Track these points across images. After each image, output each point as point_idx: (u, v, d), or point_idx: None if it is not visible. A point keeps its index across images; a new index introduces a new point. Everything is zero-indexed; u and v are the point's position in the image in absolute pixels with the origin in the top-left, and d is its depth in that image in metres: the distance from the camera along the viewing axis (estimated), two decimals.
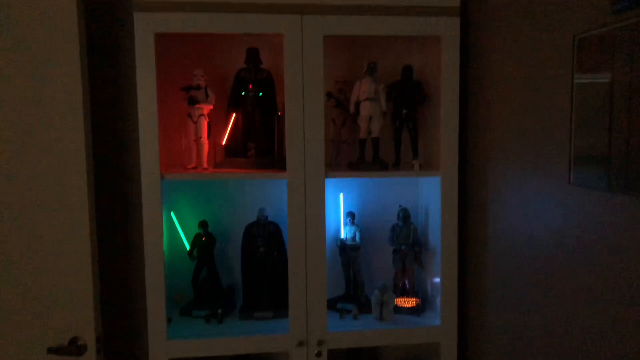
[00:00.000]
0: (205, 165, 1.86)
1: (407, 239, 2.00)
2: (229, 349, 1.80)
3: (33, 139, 1.64)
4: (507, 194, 1.61)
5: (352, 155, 1.99)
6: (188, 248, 2.00)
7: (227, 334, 1.82)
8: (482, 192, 1.79)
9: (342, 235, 2.04)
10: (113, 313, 2.03)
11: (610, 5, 1.09)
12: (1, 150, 1.64)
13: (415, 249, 2.01)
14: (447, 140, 1.81)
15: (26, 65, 1.63)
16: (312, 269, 1.79)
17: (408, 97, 1.92)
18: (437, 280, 1.91)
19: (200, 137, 1.86)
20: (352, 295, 2.05)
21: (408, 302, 2.00)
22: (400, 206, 2.02)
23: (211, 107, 1.88)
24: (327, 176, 1.77)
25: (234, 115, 1.91)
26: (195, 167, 1.87)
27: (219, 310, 1.92)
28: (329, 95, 1.93)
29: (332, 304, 1.98)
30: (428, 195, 2.02)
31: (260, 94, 1.89)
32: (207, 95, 1.85)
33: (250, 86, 1.87)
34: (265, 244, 1.97)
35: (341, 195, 2.08)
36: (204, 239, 1.98)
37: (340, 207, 2.08)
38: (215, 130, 1.93)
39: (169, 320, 1.86)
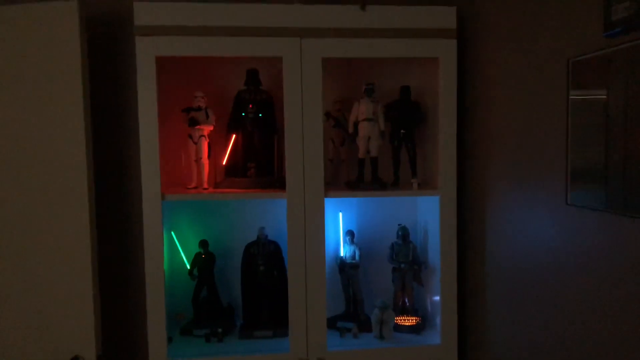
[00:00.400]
0: (205, 185, 1.88)
1: (406, 257, 2.01)
2: None
3: (35, 162, 1.66)
4: (505, 214, 1.63)
5: (351, 175, 2.01)
6: (188, 267, 2.01)
7: (227, 353, 1.83)
8: (480, 211, 1.80)
9: (342, 254, 2.05)
10: (114, 332, 2.03)
11: (603, 31, 1.12)
12: (4, 173, 1.66)
13: (415, 267, 2.02)
14: (445, 159, 1.82)
15: (30, 89, 1.65)
16: (312, 288, 1.80)
17: (406, 117, 1.94)
18: (437, 298, 1.92)
19: (201, 158, 1.88)
20: (352, 314, 2.05)
21: (408, 321, 2.00)
22: (399, 225, 2.03)
23: (211, 127, 1.90)
24: (326, 196, 1.79)
25: (234, 135, 1.93)
26: (195, 187, 1.89)
27: (219, 330, 1.92)
28: (327, 115, 1.95)
29: (332, 323, 1.98)
30: (427, 213, 2.03)
31: (260, 114, 1.91)
32: (207, 116, 1.88)
33: (250, 107, 1.90)
34: (265, 263, 1.98)
35: (340, 214, 2.10)
36: (203, 256, 1.99)
37: (339, 225, 2.09)
38: (215, 150, 1.95)
39: (170, 339, 1.86)
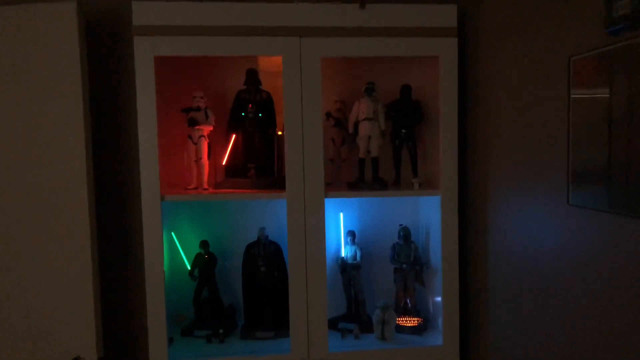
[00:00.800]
0: (205, 185, 1.87)
1: (408, 257, 1.99)
2: None
3: (35, 163, 1.66)
4: (506, 213, 1.61)
5: (352, 174, 1.99)
6: (189, 268, 2.00)
7: (228, 354, 1.82)
8: (482, 211, 1.78)
9: (343, 254, 2.04)
10: (115, 333, 2.02)
11: (605, 27, 1.10)
12: (3, 174, 1.65)
13: (417, 268, 2.00)
14: (447, 159, 1.81)
15: (29, 89, 1.65)
16: (313, 289, 1.79)
17: (407, 117, 1.92)
18: (439, 299, 1.90)
19: (201, 158, 1.87)
20: (353, 315, 2.04)
21: (409, 322, 1.99)
22: (400, 225, 2.02)
23: (211, 128, 1.90)
24: (326, 196, 1.78)
25: (234, 135, 1.92)
26: (195, 188, 1.88)
27: (220, 330, 1.91)
28: (327, 114, 1.94)
29: (333, 324, 1.97)
30: (428, 213, 2.02)
31: (260, 114, 1.90)
32: (207, 117, 1.87)
33: (250, 107, 1.89)
34: (266, 263, 1.97)
35: (341, 214, 2.09)
36: (206, 257, 1.98)
37: (340, 226, 2.08)
38: (215, 150, 1.94)
39: (171, 340, 1.86)
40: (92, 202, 1.70)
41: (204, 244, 1.99)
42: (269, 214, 2.07)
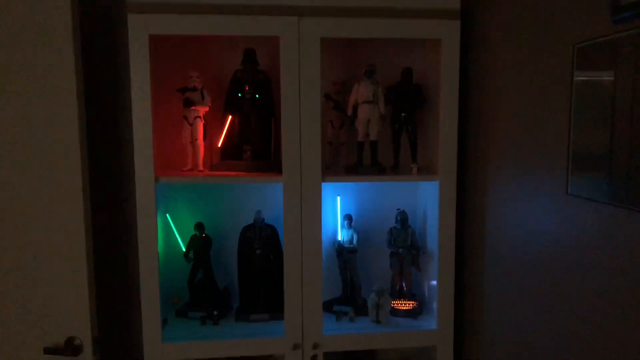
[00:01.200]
0: (201, 167, 1.85)
1: (404, 242, 1.99)
2: (224, 352, 1.79)
3: (27, 141, 1.63)
4: (505, 201, 1.59)
5: (350, 158, 1.97)
6: (184, 250, 1.99)
7: (222, 337, 1.82)
8: (480, 197, 1.77)
9: (340, 238, 2.03)
10: (109, 314, 2.02)
11: (611, 16, 1.07)
12: None
13: (413, 252, 2.00)
14: (446, 144, 1.78)
15: (21, 67, 1.61)
16: (308, 272, 1.78)
17: (407, 100, 1.89)
18: (434, 283, 1.90)
19: (196, 139, 1.84)
20: (349, 298, 2.04)
21: (405, 305, 1.99)
22: (398, 209, 2.01)
23: (207, 108, 1.86)
24: (323, 180, 1.76)
25: (230, 117, 1.89)
26: (191, 169, 1.86)
27: (215, 312, 1.91)
28: (327, 97, 1.91)
29: (328, 306, 1.98)
30: (426, 198, 2.00)
31: (257, 95, 1.86)
32: (203, 97, 1.84)
33: (247, 88, 1.85)
34: (262, 246, 1.95)
35: (339, 198, 2.07)
36: (203, 235, 1.97)
37: (337, 209, 2.07)
38: (211, 132, 1.91)
39: (165, 321, 1.86)
40: (86, 182, 1.68)
41: (199, 226, 1.97)
42: (266, 197, 2.05)
